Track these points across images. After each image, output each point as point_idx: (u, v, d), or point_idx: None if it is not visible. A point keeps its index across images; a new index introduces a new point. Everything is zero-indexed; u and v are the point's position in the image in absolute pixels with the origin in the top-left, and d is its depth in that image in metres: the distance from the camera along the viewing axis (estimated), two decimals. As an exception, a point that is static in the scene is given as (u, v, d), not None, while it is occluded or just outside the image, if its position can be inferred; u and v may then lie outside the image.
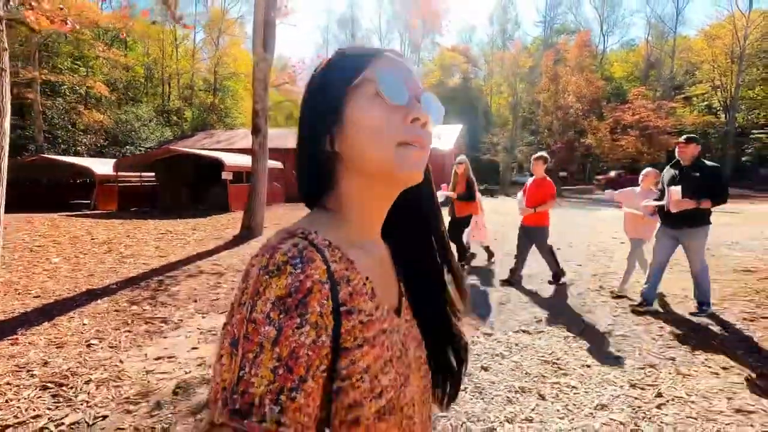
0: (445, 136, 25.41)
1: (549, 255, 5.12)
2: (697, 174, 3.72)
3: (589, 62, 33.19)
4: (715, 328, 3.63)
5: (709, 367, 2.92)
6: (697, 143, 3.85)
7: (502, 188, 32.71)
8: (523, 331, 3.61)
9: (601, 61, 45.74)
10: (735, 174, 33.98)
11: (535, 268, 5.70)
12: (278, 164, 19.30)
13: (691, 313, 3.93)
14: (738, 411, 2.37)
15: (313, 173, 0.54)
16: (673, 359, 3.03)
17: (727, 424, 2.25)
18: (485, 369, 2.92)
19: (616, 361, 3.01)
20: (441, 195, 4.03)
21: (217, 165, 14.84)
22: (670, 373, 2.81)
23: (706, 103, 38.84)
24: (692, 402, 2.47)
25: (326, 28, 57.29)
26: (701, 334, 3.52)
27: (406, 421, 0.50)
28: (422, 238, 0.62)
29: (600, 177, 34.80)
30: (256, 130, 8.59)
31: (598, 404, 2.46)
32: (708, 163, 3.83)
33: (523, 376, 2.82)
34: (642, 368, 2.89)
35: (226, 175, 14.44)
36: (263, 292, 0.40)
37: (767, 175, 32.18)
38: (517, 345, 3.33)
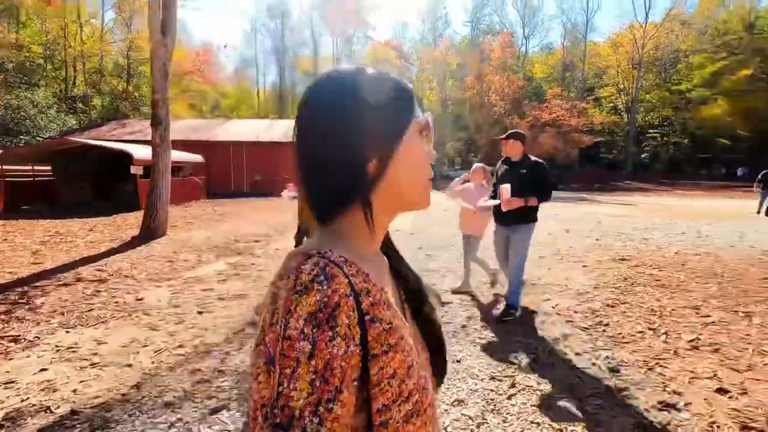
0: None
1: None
2: (524, 171, 3.67)
3: (512, 63, 35.17)
4: (578, 316, 3.96)
5: (565, 354, 3.16)
6: (520, 139, 3.74)
7: (433, 182, 33.53)
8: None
9: (523, 62, 48.60)
10: (636, 169, 37.99)
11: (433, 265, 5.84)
12: (198, 158, 18.16)
13: (498, 318, 3.80)
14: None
15: (342, 192, 0.54)
16: (535, 350, 3.24)
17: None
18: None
19: (478, 356, 3.15)
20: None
21: (125, 158, 13.58)
22: (529, 365, 2.99)
23: (612, 104, 42.89)
24: (540, 390, 2.64)
25: (254, 16, 54.86)
26: (564, 321, 3.82)
27: (429, 422, 0.52)
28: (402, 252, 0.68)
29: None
30: (156, 122, 7.95)
31: (455, 399, 2.55)
32: (533, 159, 3.75)
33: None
34: (502, 360, 3.05)
35: (135, 170, 13.24)
36: (294, 310, 0.42)
37: (662, 170, 36.33)
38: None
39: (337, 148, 0.52)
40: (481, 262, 4.76)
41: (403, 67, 49.91)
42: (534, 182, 3.61)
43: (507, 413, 2.40)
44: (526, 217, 3.71)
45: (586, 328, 3.68)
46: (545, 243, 7.91)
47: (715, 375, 2.83)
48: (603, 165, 40.56)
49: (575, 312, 4.06)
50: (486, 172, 4.58)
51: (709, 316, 3.91)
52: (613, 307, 4.20)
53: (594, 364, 3.00)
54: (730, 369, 2.91)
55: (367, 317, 0.46)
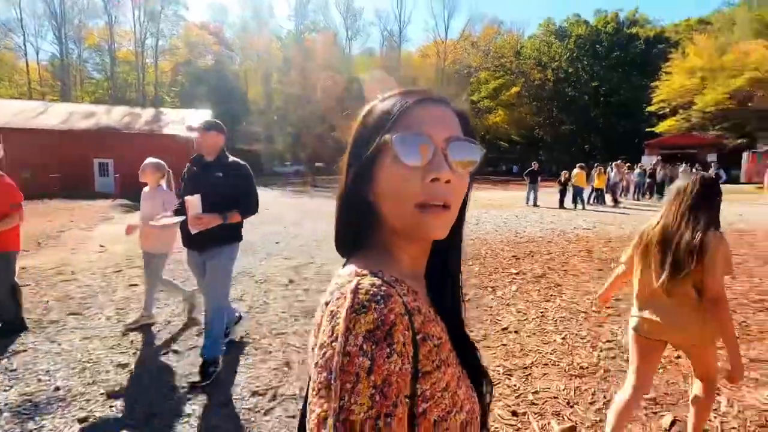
0: (192, 122, 22.91)
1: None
2: (220, 174, 2.77)
3: (335, 62, 36.25)
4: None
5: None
6: (219, 130, 2.83)
7: (261, 180, 32.25)
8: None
9: (348, 62, 50.77)
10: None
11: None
12: None
13: (193, 385, 2.68)
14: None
15: (354, 220, 0.58)
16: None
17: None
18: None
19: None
20: None
21: None
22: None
23: (424, 108, 48.62)
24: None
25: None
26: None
27: (478, 430, 0.55)
28: (443, 280, 0.64)
29: (350, 168, 38.84)
30: None
31: None
32: (232, 159, 2.87)
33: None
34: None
35: None
36: (353, 327, 0.44)
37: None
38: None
39: (344, 183, 0.58)
40: (168, 285, 3.78)
41: (224, 55, 46.36)
42: (234, 190, 2.77)
43: (258, 433, 2.21)
44: (226, 237, 2.80)
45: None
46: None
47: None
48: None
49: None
50: (162, 170, 3.60)
51: (466, 294, 4.56)
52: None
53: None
54: (471, 340, 3.39)
55: (418, 336, 0.48)
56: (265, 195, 19.01)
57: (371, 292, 0.46)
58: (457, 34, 47.69)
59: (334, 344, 0.44)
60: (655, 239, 1.87)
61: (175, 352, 3.19)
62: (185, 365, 2.97)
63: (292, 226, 9.83)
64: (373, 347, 0.43)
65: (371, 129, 0.55)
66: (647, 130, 35.43)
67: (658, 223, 1.90)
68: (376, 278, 0.49)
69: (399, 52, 48.13)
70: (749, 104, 31.50)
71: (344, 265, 0.57)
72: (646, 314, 1.90)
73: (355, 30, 53.15)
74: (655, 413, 2.41)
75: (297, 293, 4.61)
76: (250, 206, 2.85)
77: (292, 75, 32.88)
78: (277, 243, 7.58)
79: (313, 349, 0.50)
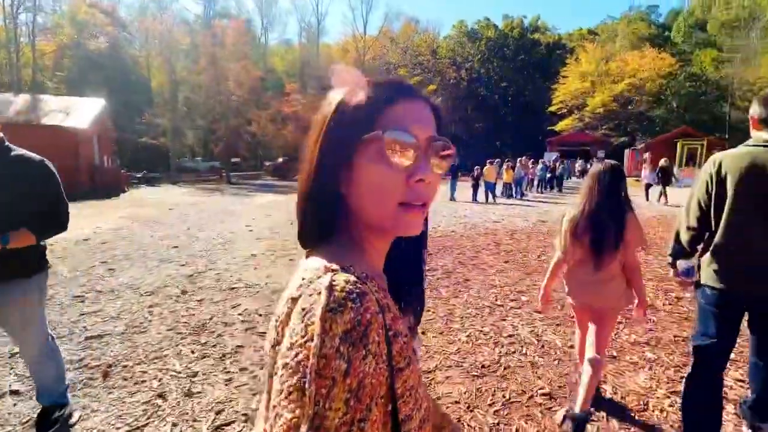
0: (80, 112, 20.06)
1: None
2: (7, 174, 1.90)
3: (248, 51, 34.32)
4: (261, 320, 3.77)
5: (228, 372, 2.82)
6: None
7: (168, 176, 29.59)
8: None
9: (264, 53, 48.52)
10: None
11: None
12: None
13: None
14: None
15: (321, 213, 0.55)
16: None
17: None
18: None
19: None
20: None
21: None
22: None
23: (345, 103, 48.18)
24: None
25: None
26: (244, 329, 3.54)
27: (430, 424, 0.55)
28: (402, 272, 0.65)
29: (268, 163, 37.34)
30: None
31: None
32: (21, 152, 1.97)
33: None
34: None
35: None
36: (330, 328, 0.42)
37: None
38: None
39: (312, 174, 0.55)
40: None
41: (121, 38, 41.60)
42: (21, 198, 1.89)
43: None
44: (19, 267, 1.95)
45: (264, 332, 3.48)
46: (264, 236, 7.75)
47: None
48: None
49: (260, 315, 3.85)
50: None
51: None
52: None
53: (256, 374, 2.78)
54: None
55: (390, 333, 0.46)
56: (170, 193, 17.47)
57: (347, 289, 0.45)
58: (376, 29, 47.99)
59: (308, 344, 0.42)
60: (581, 223, 2.13)
61: (15, 393, 2.58)
62: (28, 409, 2.40)
63: (195, 228, 8.98)
64: (350, 349, 0.42)
65: (350, 120, 0.52)
66: (549, 128, 38.83)
67: (581, 207, 2.14)
68: (349, 274, 0.47)
69: (318, 45, 47.04)
70: (629, 107, 36.02)
71: (307, 257, 0.55)
72: (578, 289, 2.26)
73: (271, 19, 51.01)
74: (549, 408, 2.43)
75: (189, 306, 4.09)
76: (51, 221, 1.99)
77: (201, 63, 30.43)
78: (174, 248, 6.82)
79: (274, 347, 0.48)
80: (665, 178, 13.23)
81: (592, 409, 2.27)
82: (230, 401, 2.48)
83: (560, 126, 37.83)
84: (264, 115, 31.78)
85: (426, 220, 0.63)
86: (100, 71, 35.31)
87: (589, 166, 28.67)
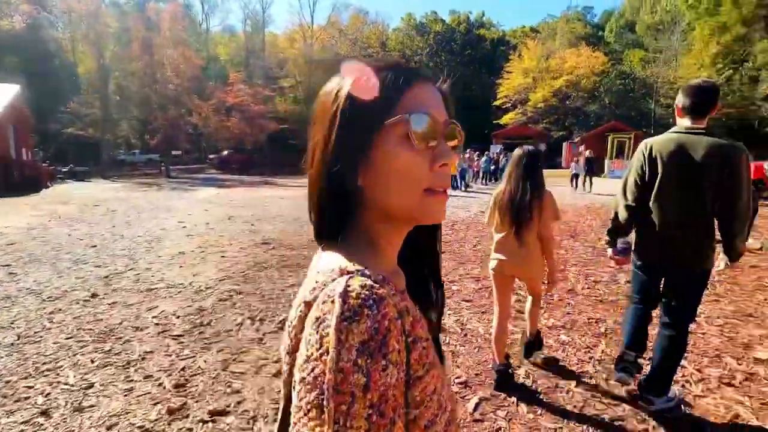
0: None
1: None
2: None
3: (187, 37, 32.38)
4: (178, 322, 3.54)
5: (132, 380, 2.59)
6: None
7: (99, 170, 27.35)
8: None
9: (206, 40, 46.06)
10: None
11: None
12: None
13: None
14: None
15: (337, 208, 0.52)
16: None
17: None
18: None
19: None
20: None
21: None
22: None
23: (293, 95, 46.97)
24: None
25: None
26: (157, 333, 3.30)
27: (456, 426, 0.53)
28: (420, 269, 0.62)
29: (213, 156, 35.64)
30: None
31: None
32: None
33: None
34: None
35: None
36: (346, 339, 0.40)
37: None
38: None
39: (322, 167, 0.51)
40: None
41: (41, 19, 37.70)
42: None
43: None
44: None
45: (179, 335, 3.26)
46: (198, 232, 7.34)
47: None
48: (296, 150, 44.18)
49: (178, 317, 3.60)
50: None
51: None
52: (225, 300, 4.01)
53: (160, 384, 2.57)
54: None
55: (409, 339, 0.44)
56: (100, 188, 16.24)
57: (362, 295, 0.42)
58: (324, 19, 47.00)
59: (324, 358, 0.40)
60: (504, 200, 2.42)
61: None
62: None
63: (121, 225, 8.35)
64: (368, 361, 0.39)
65: (368, 106, 0.48)
66: (494, 122, 40.11)
67: (504, 187, 2.45)
68: (365, 278, 0.44)
69: (263, 34, 45.31)
70: (567, 102, 38.01)
71: (321, 257, 0.53)
72: (501, 257, 2.48)
73: (212, 5, 48.46)
74: (464, 397, 2.44)
75: (98, 310, 3.75)
76: None
77: (134, 49, 28.29)
78: (93, 247, 6.28)
79: (289, 353, 0.46)
80: (590, 167, 14.58)
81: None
82: (126, 413, 2.28)
83: (505, 119, 39.19)
84: (206, 106, 30.20)
85: (438, 229, 0.63)
86: (16, 54, 31.85)
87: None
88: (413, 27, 51.60)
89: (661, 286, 2.22)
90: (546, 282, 2.67)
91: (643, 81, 38.40)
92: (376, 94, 0.48)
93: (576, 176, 15.22)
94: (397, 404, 0.41)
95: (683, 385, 2.51)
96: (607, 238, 2.38)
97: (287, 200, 12.73)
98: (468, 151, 18.33)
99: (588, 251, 5.83)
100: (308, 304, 0.45)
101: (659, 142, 2.09)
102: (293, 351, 0.45)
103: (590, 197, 12.75)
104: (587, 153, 14.94)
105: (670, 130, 2.11)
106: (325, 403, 0.39)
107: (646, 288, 2.26)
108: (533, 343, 2.79)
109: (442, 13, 55.68)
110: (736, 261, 2.10)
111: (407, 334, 0.44)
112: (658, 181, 2.07)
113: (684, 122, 2.08)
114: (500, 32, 54.96)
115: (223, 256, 5.68)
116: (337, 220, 0.53)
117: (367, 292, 0.42)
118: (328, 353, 0.40)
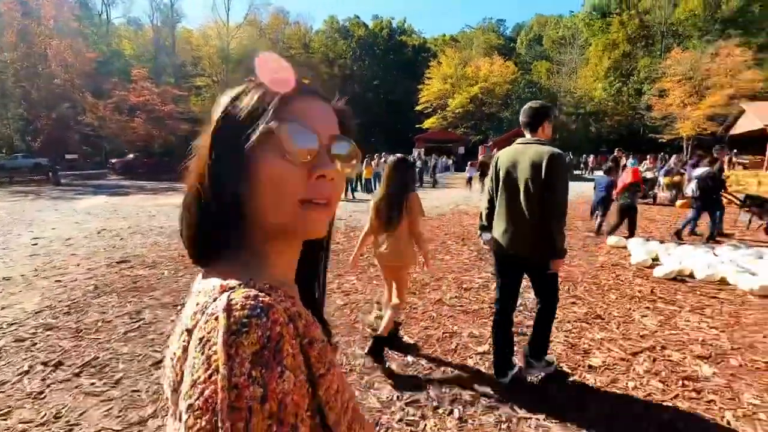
0: None
1: None
2: None
3: (80, 27, 28.95)
4: None
5: None
6: None
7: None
8: None
9: (107, 32, 41.77)
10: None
11: None
12: None
13: None
14: None
15: (216, 222, 0.50)
16: None
17: None
18: None
19: None
20: None
21: None
22: None
23: (211, 94, 44.17)
24: None
25: None
26: None
27: (361, 423, 0.53)
28: (309, 280, 0.63)
29: (114, 160, 32.23)
30: None
31: None
32: None
33: None
34: None
35: None
36: (236, 353, 0.38)
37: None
38: None
39: (201, 177, 0.51)
40: None
41: None
42: None
43: None
44: None
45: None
46: (48, 251, 6.22)
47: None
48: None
49: None
50: None
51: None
52: (24, 340, 3.26)
53: None
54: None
55: (305, 341, 0.43)
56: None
57: (248, 305, 0.40)
58: (241, 17, 44.77)
59: (214, 378, 0.37)
60: (381, 201, 2.74)
61: None
62: None
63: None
64: (264, 371, 0.37)
65: (246, 116, 0.48)
66: (417, 126, 41.08)
67: (381, 190, 2.78)
68: (248, 289, 0.42)
69: (173, 29, 42.11)
70: (483, 108, 40.05)
71: (203, 278, 0.49)
72: (381, 250, 2.81)
73: (114, -7, 44.05)
74: None
75: None
76: None
77: (8, 38, 24.62)
78: None
79: (175, 390, 0.42)
80: (483, 171, 15.50)
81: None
82: None
83: (426, 124, 40.30)
84: (102, 105, 27.18)
85: (331, 228, 0.62)
86: None
87: (451, 162, 31.25)
88: (336, 30, 51.33)
89: (520, 274, 2.57)
90: (423, 264, 3.02)
91: (549, 90, 41.68)
92: (258, 101, 0.48)
93: (470, 179, 16.34)
94: (298, 409, 0.39)
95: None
96: (479, 233, 2.76)
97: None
98: (378, 155, 18.39)
99: (472, 256, 5.80)
100: (189, 332, 0.41)
101: (503, 153, 2.48)
102: (179, 385, 0.41)
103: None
104: (481, 157, 16.06)
105: (515, 142, 2.47)
106: (219, 425, 0.36)
107: (506, 278, 2.56)
108: (384, 340, 2.90)
109: (365, 17, 55.99)
110: (561, 258, 2.36)
111: (302, 336, 0.43)
112: (501, 186, 2.44)
113: (526, 135, 2.45)
114: (422, 39, 56.70)
115: (58, 281, 4.78)
116: (217, 233, 0.50)
117: (252, 302, 0.40)
118: (218, 372, 0.37)
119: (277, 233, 0.51)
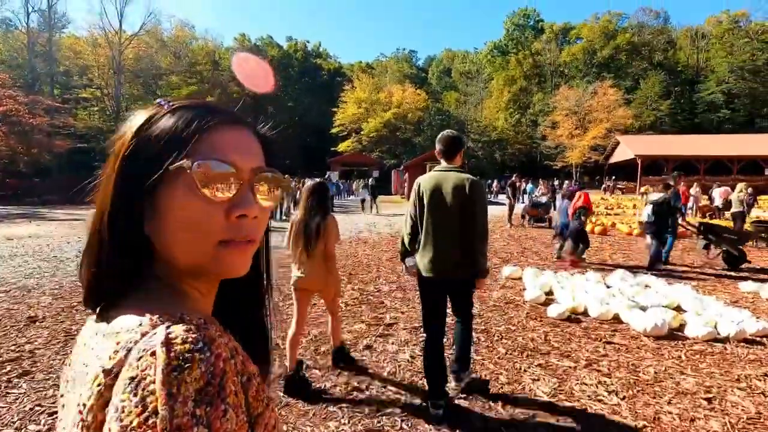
0: None
1: None
2: None
3: None
4: None
5: None
6: None
7: None
8: None
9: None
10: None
11: None
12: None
13: None
14: None
15: (119, 259, 0.45)
16: None
17: None
18: None
19: None
20: None
21: None
22: None
23: (101, 107, 39.14)
24: None
25: None
26: None
27: None
28: (249, 311, 0.58)
29: (-37, 181, 26.54)
30: None
31: None
32: None
33: None
34: None
35: None
36: (178, 391, 0.34)
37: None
38: None
39: (103, 210, 0.46)
40: None
41: None
42: None
43: None
44: None
45: None
46: None
47: None
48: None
49: None
50: None
51: None
52: None
53: None
54: None
55: (243, 378, 0.40)
56: None
57: (190, 339, 0.36)
58: (137, 26, 40.64)
59: (152, 421, 0.33)
60: (299, 225, 2.78)
61: None
62: None
63: None
64: (208, 409, 0.34)
65: (156, 148, 0.44)
66: (332, 149, 40.48)
67: (299, 214, 2.81)
68: (185, 323, 0.39)
69: (51, 33, 36.85)
70: (397, 133, 40.82)
71: (101, 318, 0.45)
72: (299, 273, 2.83)
73: (-25, -11, 37.60)
74: None
75: None
76: None
77: None
78: None
79: None
80: (373, 193, 17.44)
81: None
82: None
83: (342, 147, 39.92)
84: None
85: (267, 255, 0.58)
86: None
87: (368, 182, 30.93)
88: (247, 49, 49.37)
89: (444, 296, 2.58)
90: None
91: (457, 118, 43.92)
92: (168, 133, 0.44)
93: (363, 200, 18.08)
94: None
95: None
96: (399, 258, 2.81)
97: (34, 240, 9.24)
98: (297, 179, 17.30)
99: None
100: (108, 372, 0.37)
101: (425, 179, 2.50)
102: None
103: (376, 218, 14.18)
104: (370, 180, 17.42)
105: (434, 169, 2.53)
106: None
107: (433, 301, 2.55)
108: (341, 351, 3.13)
109: (278, 38, 54.87)
110: (485, 277, 2.52)
111: (241, 372, 0.39)
112: (426, 211, 2.45)
113: (443, 163, 2.53)
114: (337, 64, 57.04)
115: None
116: (120, 273, 0.45)
117: (194, 335, 0.37)
118: (156, 414, 0.33)
119: (192, 273, 0.46)
